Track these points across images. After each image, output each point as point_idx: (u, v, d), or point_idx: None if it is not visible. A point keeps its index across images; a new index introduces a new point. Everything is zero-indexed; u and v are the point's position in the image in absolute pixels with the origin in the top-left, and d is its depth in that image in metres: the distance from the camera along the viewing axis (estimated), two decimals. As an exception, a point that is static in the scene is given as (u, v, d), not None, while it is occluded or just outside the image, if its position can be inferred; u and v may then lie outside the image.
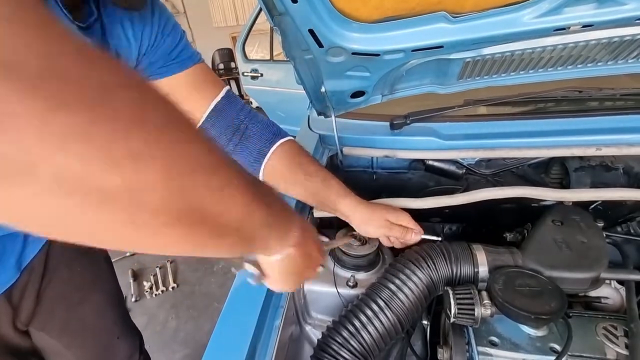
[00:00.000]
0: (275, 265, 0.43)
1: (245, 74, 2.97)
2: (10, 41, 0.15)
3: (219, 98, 0.68)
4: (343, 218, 0.71)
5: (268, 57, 2.92)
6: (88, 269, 0.86)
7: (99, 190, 0.19)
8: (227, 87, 0.70)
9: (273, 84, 2.90)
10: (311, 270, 0.49)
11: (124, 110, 0.19)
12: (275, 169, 0.69)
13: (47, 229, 0.20)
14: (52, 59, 0.16)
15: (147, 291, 2.16)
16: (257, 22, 2.80)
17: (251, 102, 4.38)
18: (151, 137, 0.20)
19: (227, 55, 5.56)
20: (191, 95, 0.67)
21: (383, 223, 0.69)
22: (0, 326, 0.73)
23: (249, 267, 0.45)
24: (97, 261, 0.92)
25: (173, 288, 2.18)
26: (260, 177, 0.70)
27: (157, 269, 2.29)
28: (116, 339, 0.93)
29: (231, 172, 0.28)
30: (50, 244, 0.77)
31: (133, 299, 2.10)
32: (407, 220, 0.71)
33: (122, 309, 1.01)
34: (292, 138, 0.73)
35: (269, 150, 0.69)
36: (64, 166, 0.17)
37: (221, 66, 5.55)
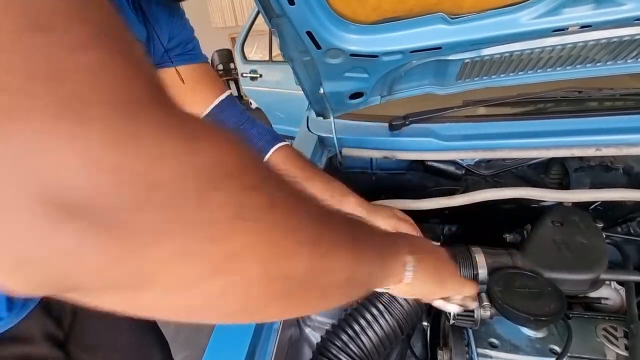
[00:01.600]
0: (407, 288, 0.42)
1: (245, 75, 2.97)
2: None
3: (222, 97, 0.71)
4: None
5: (267, 58, 2.91)
6: None
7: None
8: (230, 90, 0.74)
9: (272, 85, 2.90)
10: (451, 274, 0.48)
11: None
12: None
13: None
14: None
15: (147, 293, 2.16)
16: (255, 22, 2.80)
17: (251, 103, 4.39)
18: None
19: (226, 56, 5.56)
20: (196, 89, 0.70)
21: (391, 214, 0.70)
22: (44, 343, 0.68)
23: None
24: None
25: (173, 289, 2.18)
26: None
27: (157, 271, 2.29)
28: (150, 347, 0.90)
29: (332, 233, 0.28)
30: None
31: (133, 301, 2.10)
32: (411, 221, 0.71)
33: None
34: (289, 144, 0.74)
35: (266, 153, 0.70)
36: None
37: (220, 67, 5.55)
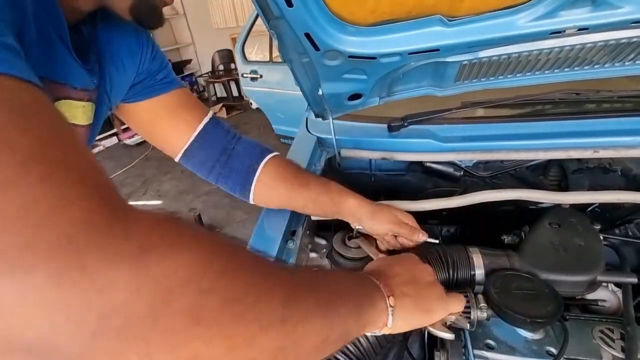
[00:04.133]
0: (393, 329, 0.42)
1: (245, 75, 2.98)
2: None
3: (205, 121, 0.67)
4: (348, 218, 0.71)
5: (267, 59, 2.92)
6: None
7: None
8: (213, 112, 0.71)
9: (272, 85, 2.90)
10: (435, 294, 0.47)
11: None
12: (267, 185, 0.69)
13: None
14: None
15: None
16: (256, 23, 2.80)
17: (251, 104, 4.39)
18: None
19: (227, 56, 5.58)
20: (178, 117, 0.66)
21: (392, 218, 0.69)
22: None
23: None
24: None
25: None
26: (250, 198, 0.70)
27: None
28: None
29: (300, 306, 0.28)
30: None
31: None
32: (413, 221, 0.71)
33: None
34: (278, 154, 0.72)
35: (258, 166, 0.68)
36: None
37: (221, 67, 5.57)
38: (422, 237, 0.69)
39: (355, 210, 0.69)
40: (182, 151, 0.67)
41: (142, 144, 4.68)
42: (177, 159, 0.69)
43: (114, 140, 4.82)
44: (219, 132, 0.69)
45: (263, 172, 0.68)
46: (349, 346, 0.57)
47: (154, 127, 0.67)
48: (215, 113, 0.71)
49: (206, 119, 0.68)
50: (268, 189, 0.69)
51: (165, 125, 0.66)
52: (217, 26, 5.45)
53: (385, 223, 0.69)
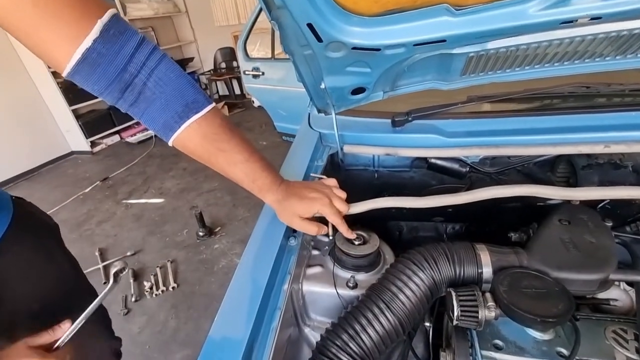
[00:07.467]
0: None
1: (247, 72, 2.97)
2: None
3: (90, 39, 0.45)
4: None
5: (269, 56, 2.91)
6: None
7: None
8: (112, 12, 0.47)
9: (274, 83, 2.89)
10: None
11: None
12: (187, 148, 0.58)
13: None
14: None
15: (147, 291, 2.16)
16: (258, 20, 2.79)
17: (253, 101, 4.37)
18: None
19: (229, 54, 5.58)
20: (44, 30, 0.43)
21: (290, 221, 0.69)
22: None
23: None
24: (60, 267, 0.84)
25: (173, 288, 2.17)
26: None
27: (158, 269, 2.29)
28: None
29: None
30: None
31: (133, 299, 2.10)
32: (338, 221, 0.69)
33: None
34: (209, 110, 0.56)
35: (171, 135, 0.56)
36: None
37: (223, 65, 5.57)
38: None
39: (270, 203, 0.69)
40: (69, 67, 0.46)
41: (144, 142, 4.69)
42: (64, 75, 0.47)
43: (116, 138, 4.83)
44: (114, 53, 0.47)
45: (182, 135, 0.56)
46: (351, 345, 0.56)
47: (24, 31, 0.44)
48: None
49: (92, 34, 0.44)
50: (185, 146, 0.58)
51: (37, 26, 0.43)
52: (219, 24, 5.44)
53: (290, 216, 0.69)
